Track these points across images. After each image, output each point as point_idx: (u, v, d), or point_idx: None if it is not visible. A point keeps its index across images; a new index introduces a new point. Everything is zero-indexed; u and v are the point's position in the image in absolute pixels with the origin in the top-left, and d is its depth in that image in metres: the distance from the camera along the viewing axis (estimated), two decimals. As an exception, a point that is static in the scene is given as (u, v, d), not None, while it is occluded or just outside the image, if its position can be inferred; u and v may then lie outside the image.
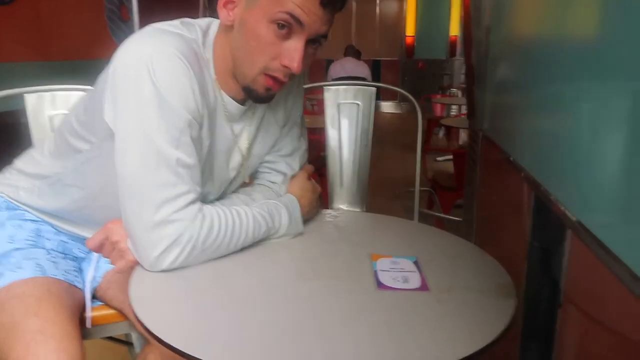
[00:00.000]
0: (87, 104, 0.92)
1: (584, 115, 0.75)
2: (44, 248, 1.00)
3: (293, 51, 0.79)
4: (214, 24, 0.90)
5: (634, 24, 0.57)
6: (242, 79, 0.85)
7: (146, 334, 0.67)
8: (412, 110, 1.63)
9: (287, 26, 0.77)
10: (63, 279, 0.95)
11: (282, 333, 0.67)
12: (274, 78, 0.83)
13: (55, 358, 0.81)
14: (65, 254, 1.03)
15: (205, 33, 0.88)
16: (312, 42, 0.82)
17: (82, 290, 1.00)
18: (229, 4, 0.82)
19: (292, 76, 0.84)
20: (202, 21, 0.90)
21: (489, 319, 0.71)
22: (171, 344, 0.62)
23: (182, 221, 0.79)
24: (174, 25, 0.86)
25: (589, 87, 0.74)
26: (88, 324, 0.99)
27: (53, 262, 0.97)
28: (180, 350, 0.60)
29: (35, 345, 0.81)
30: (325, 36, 0.82)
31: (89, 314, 1.00)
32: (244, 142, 0.96)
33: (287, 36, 0.79)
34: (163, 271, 0.80)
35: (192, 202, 0.81)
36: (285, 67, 0.80)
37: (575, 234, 0.73)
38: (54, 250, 1.01)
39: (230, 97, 0.90)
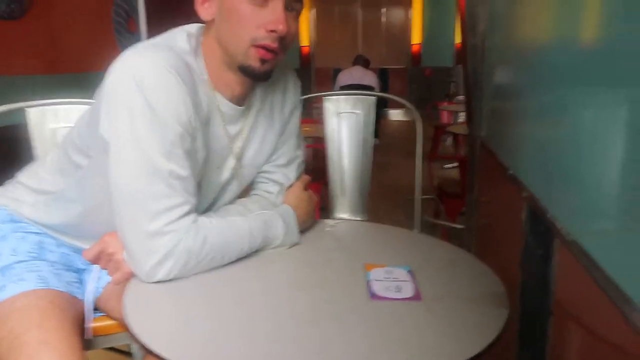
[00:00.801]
0: (87, 118, 0.94)
1: (579, 125, 0.75)
2: (46, 260, 1.01)
3: (273, 14, 0.82)
4: (201, 28, 0.92)
5: (637, 28, 0.56)
6: (235, 58, 0.87)
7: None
8: (421, 117, 1.63)
9: None
10: (65, 290, 0.97)
11: (275, 343, 0.68)
12: (264, 47, 0.84)
13: None
14: (67, 266, 1.05)
15: (194, 38, 0.90)
16: (289, 9, 0.85)
17: (84, 302, 1.02)
18: (205, 1, 0.86)
19: (282, 43, 0.86)
20: (191, 27, 0.92)
21: (480, 328, 0.71)
22: (164, 356, 0.63)
23: (176, 232, 0.80)
24: (165, 38, 0.88)
25: (585, 96, 0.73)
26: (88, 335, 1.01)
27: (55, 274, 0.99)
28: (171, 362, 0.61)
29: (39, 357, 0.83)
30: (299, 1, 0.85)
31: (89, 324, 1.01)
32: (238, 145, 0.97)
33: (264, 5, 0.82)
34: (158, 282, 0.81)
35: (187, 214, 0.82)
36: (271, 31, 0.83)
37: (563, 245, 0.73)
38: (56, 263, 1.03)
39: (226, 98, 0.92)
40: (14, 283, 0.92)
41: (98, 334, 1.03)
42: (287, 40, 0.86)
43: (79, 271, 1.08)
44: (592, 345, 0.70)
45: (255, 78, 0.91)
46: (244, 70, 0.88)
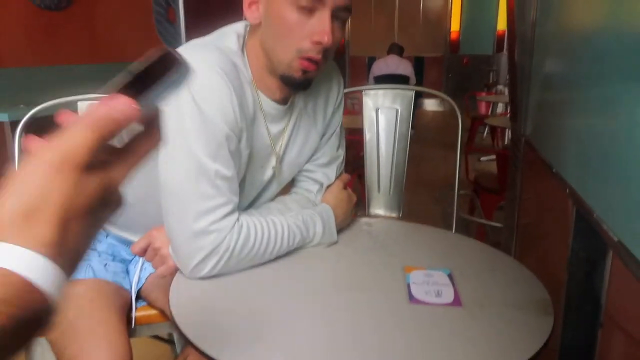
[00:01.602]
0: None
1: (631, 122, 0.70)
2: (95, 250, 1.06)
3: (319, 25, 0.81)
4: (248, 27, 0.92)
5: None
6: (278, 67, 0.87)
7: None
8: (457, 108, 1.60)
9: (308, 5, 0.80)
10: (112, 280, 1.01)
11: (314, 344, 0.69)
12: (308, 59, 0.84)
13: (106, 357, 0.87)
14: (114, 256, 1.09)
15: (242, 38, 0.90)
16: (336, 18, 0.83)
17: (129, 291, 1.06)
18: (252, 4, 0.86)
19: (326, 54, 0.85)
20: (240, 26, 0.92)
21: (524, 337, 0.70)
22: (204, 350, 0.65)
23: (220, 232, 0.82)
24: (214, 38, 0.89)
25: None
26: (133, 324, 1.05)
27: (103, 264, 1.03)
28: (211, 357, 0.63)
29: (88, 345, 0.87)
30: (347, 9, 0.84)
31: (134, 314, 1.05)
32: (280, 145, 0.98)
33: (311, 14, 0.81)
34: (201, 278, 0.83)
35: (230, 213, 0.84)
36: (317, 42, 0.82)
37: (616, 254, 0.71)
38: (104, 253, 1.07)
39: (269, 98, 0.92)
40: None
41: (141, 322, 1.07)
42: (330, 50, 0.85)
43: (124, 261, 1.12)
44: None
45: (295, 88, 0.91)
46: (285, 79, 0.88)
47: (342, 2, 0.82)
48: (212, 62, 0.82)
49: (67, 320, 0.90)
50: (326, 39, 0.81)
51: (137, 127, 0.38)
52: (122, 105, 0.34)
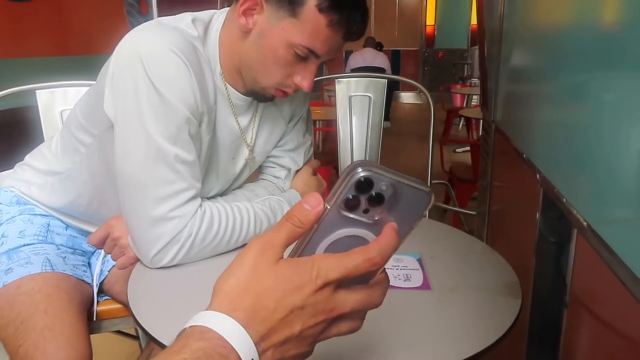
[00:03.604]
0: (90, 96, 0.93)
1: (599, 111, 0.71)
2: (53, 243, 1.01)
3: (306, 73, 0.83)
4: (217, 16, 0.89)
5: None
6: (251, 83, 0.87)
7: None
8: (432, 100, 1.60)
9: (304, 56, 0.81)
10: (72, 274, 0.97)
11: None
12: (283, 91, 0.86)
13: (64, 355, 0.83)
14: (74, 249, 1.05)
15: (207, 27, 0.87)
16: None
17: (90, 285, 1.02)
18: (248, 15, 0.82)
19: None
20: (205, 14, 0.89)
21: (492, 319, 0.69)
22: (165, 344, 0.62)
23: (181, 218, 0.79)
24: (177, 19, 0.85)
25: (603, 79, 0.70)
26: (94, 318, 1.01)
27: (62, 257, 0.99)
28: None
29: (45, 342, 0.83)
30: (333, 58, 0.86)
31: (95, 308, 1.01)
32: (250, 136, 0.96)
33: (303, 60, 0.82)
34: (162, 268, 0.80)
35: (192, 199, 0.81)
36: (298, 86, 0.85)
37: (581, 234, 0.70)
38: (63, 246, 1.03)
39: (236, 90, 0.90)
40: (21, 266, 0.92)
41: (103, 317, 1.03)
42: None
43: (85, 254, 1.07)
44: (608, 338, 0.68)
45: (259, 101, 0.93)
46: (254, 94, 0.89)
47: (333, 56, 0.84)
48: (170, 43, 0.78)
49: (22, 316, 0.86)
50: (306, 86, 0.84)
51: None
52: (313, 200, 0.39)
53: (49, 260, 0.96)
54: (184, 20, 0.86)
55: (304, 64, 0.82)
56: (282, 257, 0.39)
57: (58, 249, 1.01)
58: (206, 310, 0.38)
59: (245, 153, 0.97)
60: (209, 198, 0.92)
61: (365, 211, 0.38)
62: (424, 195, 0.39)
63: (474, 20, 8.40)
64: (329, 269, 0.38)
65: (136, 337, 1.35)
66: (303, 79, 0.83)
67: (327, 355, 0.61)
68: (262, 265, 0.38)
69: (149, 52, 0.77)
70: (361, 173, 0.36)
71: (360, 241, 0.40)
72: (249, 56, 0.84)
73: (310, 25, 0.77)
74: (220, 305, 0.38)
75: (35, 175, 1.03)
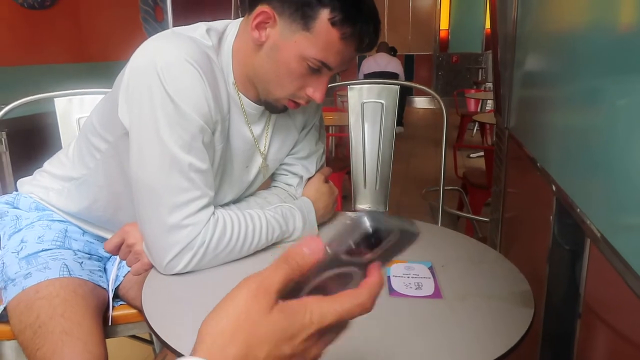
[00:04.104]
0: (106, 103, 0.95)
1: (611, 117, 0.70)
2: (70, 249, 1.03)
3: (319, 85, 0.85)
4: (231, 27, 0.90)
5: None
6: (264, 94, 0.88)
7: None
8: (446, 105, 1.59)
9: (317, 68, 0.82)
10: (88, 279, 0.98)
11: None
12: (296, 103, 0.87)
13: (81, 359, 0.84)
14: (90, 255, 1.07)
15: (221, 37, 0.88)
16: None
17: (106, 290, 1.03)
18: (261, 28, 0.83)
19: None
20: (220, 24, 0.90)
21: (504, 328, 0.69)
22: (178, 349, 0.63)
23: (194, 226, 0.80)
24: (191, 29, 0.87)
25: (619, 85, 0.69)
26: (110, 323, 1.02)
27: (79, 262, 1.01)
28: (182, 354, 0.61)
29: (62, 346, 0.84)
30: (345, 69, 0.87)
31: (111, 313, 1.03)
32: (264, 144, 0.97)
33: (316, 72, 0.83)
34: (176, 275, 0.81)
35: (205, 207, 0.82)
36: (310, 98, 0.86)
37: (594, 244, 0.70)
38: (80, 251, 1.04)
39: (249, 99, 0.91)
40: (39, 271, 0.94)
41: (119, 322, 1.04)
42: None
43: (102, 259, 1.09)
44: (622, 350, 0.67)
45: (271, 112, 0.94)
46: (267, 105, 0.90)
47: (346, 67, 0.85)
48: (185, 53, 0.80)
49: (40, 320, 0.87)
50: (319, 98, 0.85)
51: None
52: (313, 245, 0.38)
53: (67, 265, 0.98)
54: (199, 30, 0.87)
55: (317, 76, 0.83)
56: (276, 303, 0.37)
57: (75, 254, 1.03)
58: (192, 355, 0.36)
59: (258, 161, 0.98)
60: (222, 206, 0.93)
61: (360, 254, 0.39)
62: (413, 235, 0.40)
63: (488, 25, 8.35)
64: (322, 314, 0.37)
65: (150, 342, 1.36)
66: (315, 91, 0.84)
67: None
68: (255, 312, 0.36)
69: (164, 61, 0.78)
70: (368, 226, 0.37)
71: (347, 276, 0.41)
72: (262, 68, 0.85)
73: (323, 39, 0.78)
74: (208, 351, 0.36)
75: (53, 181, 1.05)
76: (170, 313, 0.75)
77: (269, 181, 1.06)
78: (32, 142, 1.79)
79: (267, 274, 0.38)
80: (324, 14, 0.77)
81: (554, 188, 0.92)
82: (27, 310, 0.89)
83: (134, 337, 1.24)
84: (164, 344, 0.65)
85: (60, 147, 1.16)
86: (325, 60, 0.80)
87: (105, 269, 1.09)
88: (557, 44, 1.05)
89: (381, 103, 1.64)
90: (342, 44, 0.79)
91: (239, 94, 0.90)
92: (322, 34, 0.78)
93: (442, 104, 1.61)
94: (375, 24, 0.81)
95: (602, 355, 0.73)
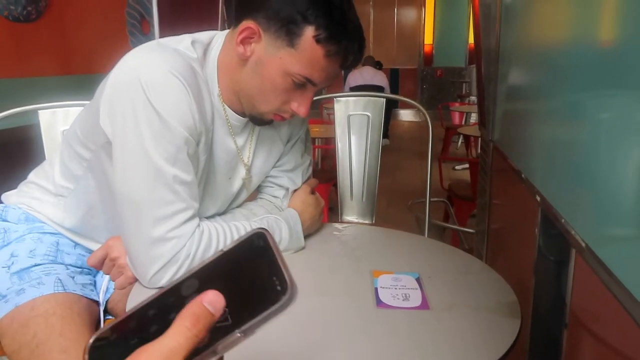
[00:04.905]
0: (88, 111, 0.94)
1: (594, 129, 0.72)
2: (62, 263, 1.00)
3: (303, 100, 0.85)
4: (217, 38, 0.90)
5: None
6: (249, 108, 0.88)
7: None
8: (431, 118, 1.61)
9: (302, 83, 0.82)
10: (82, 294, 0.95)
11: (280, 350, 0.66)
12: (281, 116, 0.88)
13: None
14: (82, 268, 1.04)
15: (206, 49, 0.88)
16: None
17: (97, 304, 1.01)
18: (246, 43, 0.83)
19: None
20: (205, 36, 0.90)
21: (491, 339, 0.69)
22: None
23: (180, 238, 0.79)
24: (176, 41, 0.87)
25: (601, 98, 0.71)
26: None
27: (71, 277, 0.98)
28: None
29: None
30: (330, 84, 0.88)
31: (102, 326, 1.00)
32: (247, 155, 0.97)
33: (301, 87, 0.83)
34: (161, 288, 0.80)
35: (190, 219, 0.81)
36: (294, 111, 0.86)
37: (580, 255, 0.70)
38: (71, 265, 1.01)
39: (234, 111, 0.91)
40: (33, 287, 0.90)
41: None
42: None
43: (92, 272, 1.07)
44: (609, 359, 0.67)
45: (258, 125, 0.94)
46: (252, 118, 0.91)
47: (330, 83, 0.86)
48: (169, 65, 0.79)
49: (37, 339, 0.84)
50: (303, 113, 0.85)
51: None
52: (213, 298, 0.33)
53: (60, 280, 0.94)
54: (184, 42, 0.87)
55: (302, 91, 0.84)
56: None
57: (67, 268, 1.00)
58: None
59: (241, 172, 0.97)
60: (207, 218, 0.92)
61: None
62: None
63: (471, 39, 8.50)
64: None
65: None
66: (300, 106, 0.85)
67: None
68: None
69: (148, 74, 0.78)
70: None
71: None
72: (247, 83, 0.85)
73: (308, 56, 0.79)
74: None
75: (44, 193, 1.03)
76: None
77: (255, 193, 1.06)
78: (15, 155, 1.76)
79: (171, 345, 0.32)
80: (309, 31, 0.77)
81: (538, 199, 0.93)
82: (22, 328, 0.86)
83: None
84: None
85: (43, 159, 1.14)
86: (309, 77, 0.81)
87: (95, 283, 1.06)
88: (539, 58, 1.07)
89: (367, 115, 1.65)
90: (326, 61, 0.79)
91: (223, 105, 0.89)
92: (307, 51, 0.78)
93: (427, 116, 1.63)
94: (360, 42, 0.82)
95: (589, 364, 0.74)
